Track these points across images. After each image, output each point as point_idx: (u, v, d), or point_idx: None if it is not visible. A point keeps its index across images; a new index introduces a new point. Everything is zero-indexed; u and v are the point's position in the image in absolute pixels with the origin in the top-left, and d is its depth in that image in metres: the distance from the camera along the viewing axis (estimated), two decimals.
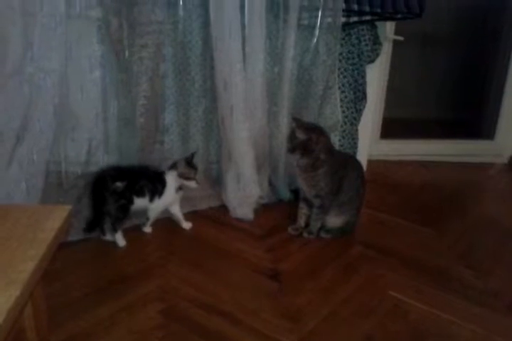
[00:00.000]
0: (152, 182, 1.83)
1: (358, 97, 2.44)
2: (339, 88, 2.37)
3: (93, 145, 1.87)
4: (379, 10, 2.24)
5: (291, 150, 1.82)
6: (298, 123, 1.83)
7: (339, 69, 2.35)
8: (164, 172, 1.87)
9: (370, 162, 2.64)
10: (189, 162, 1.87)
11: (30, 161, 1.66)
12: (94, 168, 1.87)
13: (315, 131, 1.82)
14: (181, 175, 1.85)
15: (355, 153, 2.45)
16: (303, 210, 1.98)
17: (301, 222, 2.00)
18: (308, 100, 2.31)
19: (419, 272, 1.73)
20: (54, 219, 0.89)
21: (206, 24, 1.98)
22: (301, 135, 1.79)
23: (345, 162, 1.92)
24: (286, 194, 2.33)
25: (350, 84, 2.41)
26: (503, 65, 3.01)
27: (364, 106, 2.45)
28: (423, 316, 1.47)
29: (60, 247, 1.55)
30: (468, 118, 3.49)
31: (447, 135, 3.17)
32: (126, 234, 1.84)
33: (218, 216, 2.09)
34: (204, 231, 1.96)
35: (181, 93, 2.09)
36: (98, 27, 1.85)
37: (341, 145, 2.40)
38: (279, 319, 1.42)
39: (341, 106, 2.37)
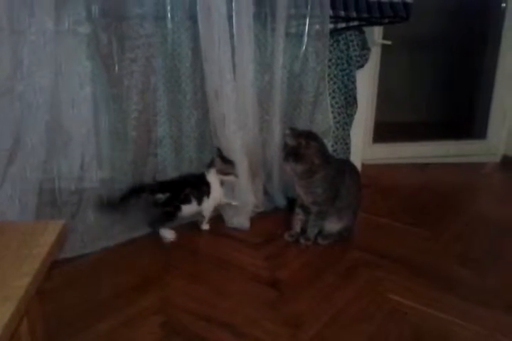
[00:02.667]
0: (196, 187, 1.96)
1: (348, 102, 2.45)
2: (330, 94, 2.38)
3: (86, 161, 1.86)
4: (366, 15, 2.27)
5: (285, 158, 1.83)
6: (290, 131, 1.84)
7: (329, 75, 2.36)
8: (204, 174, 2.01)
9: (363, 166, 2.65)
10: (223, 158, 2.01)
11: (24, 179, 1.65)
12: (87, 184, 1.88)
13: (304, 136, 1.81)
14: (220, 172, 1.99)
15: (348, 157, 2.46)
16: (299, 216, 1.98)
17: (297, 227, 1.99)
18: (300, 107, 2.32)
19: (417, 274, 1.73)
20: (48, 235, 0.89)
21: (195, 36, 1.99)
22: (290, 141, 1.80)
23: (341, 167, 1.92)
24: (281, 201, 2.33)
25: (340, 90, 2.43)
26: (491, 64, 3.05)
27: (355, 111, 2.47)
28: (423, 318, 1.47)
29: (57, 264, 1.56)
30: (460, 119, 3.51)
31: (439, 136, 3.19)
32: (121, 248, 1.86)
33: (214, 226, 2.08)
34: (201, 242, 1.96)
35: (173, 105, 2.10)
36: (87, 42, 1.86)
37: (334, 151, 2.41)
38: (280, 327, 1.42)
39: (332, 112, 2.39)
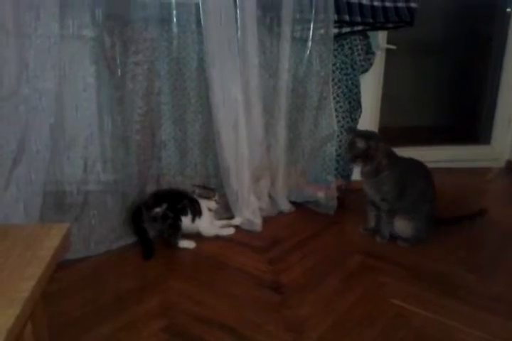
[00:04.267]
0: (192, 202, 1.98)
1: (353, 107, 2.45)
2: (334, 98, 2.38)
3: (89, 164, 1.87)
4: (370, 20, 2.27)
5: (353, 159, 1.89)
6: (355, 133, 1.92)
7: (333, 79, 2.36)
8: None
9: None
10: (203, 186, 2.09)
11: (28, 182, 1.66)
12: (91, 187, 1.88)
13: (373, 138, 1.88)
14: (200, 196, 2.03)
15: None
16: (372, 212, 2.05)
17: (372, 223, 2.06)
18: (304, 111, 2.32)
19: (421, 279, 1.72)
20: (52, 238, 0.89)
21: (200, 40, 2.00)
22: (360, 144, 1.85)
23: (408, 167, 1.95)
24: (285, 206, 2.33)
25: (344, 94, 2.43)
26: (496, 70, 3.04)
27: (359, 116, 2.47)
28: (426, 323, 1.46)
29: (59, 266, 1.56)
30: (465, 124, 3.50)
31: (444, 141, 3.18)
32: (124, 251, 1.87)
33: None
34: (204, 245, 1.95)
35: (177, 109, 2.11)
36: (91, 46, 1.87)
37: (338, 155, 2.40)
38: (282, 331, 1.41)
39: (337, 116, 2.38)
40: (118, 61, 1.91)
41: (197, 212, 1.98)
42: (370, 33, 2.44)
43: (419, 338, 1.39)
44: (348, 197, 2.44)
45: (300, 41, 2.22)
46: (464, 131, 3.45)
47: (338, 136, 2.40)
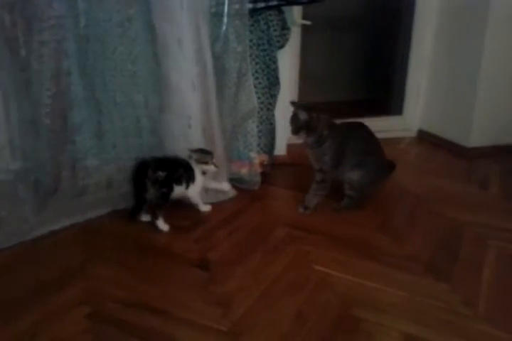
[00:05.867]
0: (186, 170, 1.96)
1: (271, 83, 2.47)
2: (252, 75, 2.38)
3: None
4: None
5: (296, 131, 1.94)
6: (297, 105, 1.98)
7: (251, 55, 2.35)
8: (188, 160, 2.00)
9: (289, 146, 2.69)
10: (201, 149, 2.01)
11: None
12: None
13: (315, 109, 1.94)
14: (198, 161, 1.98)
15: (273, 138, 2.49)
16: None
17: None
18: (223, 88, 2.30)
19: (342, 245, 1.80)
20: None
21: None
22: (302, 115, 1.90)
23: (347, 133, 2.02)
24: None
25: (263, 70, 2.43)
26: (406, 44, 3.18)
27: (278, 92, 2.49)
28: (349, 286, 1.54)
29: None
30: (378, 97, 3.66)
31: (359, 114, 3.30)
32: (40, 242, 1.79)
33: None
34: (127, 229, 1.91)
35: (90, 89, 2.01)
36: None
37: (260, 131, 2.42)
38: (211, 307, 1.43)
39: (256, 93, 2.39)
40: (21, 40, 1.80)
41: (191, 180, 1.97)
42: (285, 9, 2.44)
43: (342, 300, 1.46)
44: (271, 172, 2.48)
45: (216, 16, 2.18)
46: (378, 103, 3.61)
47: (258, 112, 2.41)
